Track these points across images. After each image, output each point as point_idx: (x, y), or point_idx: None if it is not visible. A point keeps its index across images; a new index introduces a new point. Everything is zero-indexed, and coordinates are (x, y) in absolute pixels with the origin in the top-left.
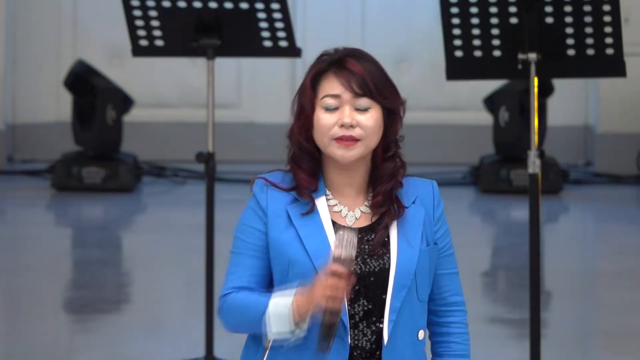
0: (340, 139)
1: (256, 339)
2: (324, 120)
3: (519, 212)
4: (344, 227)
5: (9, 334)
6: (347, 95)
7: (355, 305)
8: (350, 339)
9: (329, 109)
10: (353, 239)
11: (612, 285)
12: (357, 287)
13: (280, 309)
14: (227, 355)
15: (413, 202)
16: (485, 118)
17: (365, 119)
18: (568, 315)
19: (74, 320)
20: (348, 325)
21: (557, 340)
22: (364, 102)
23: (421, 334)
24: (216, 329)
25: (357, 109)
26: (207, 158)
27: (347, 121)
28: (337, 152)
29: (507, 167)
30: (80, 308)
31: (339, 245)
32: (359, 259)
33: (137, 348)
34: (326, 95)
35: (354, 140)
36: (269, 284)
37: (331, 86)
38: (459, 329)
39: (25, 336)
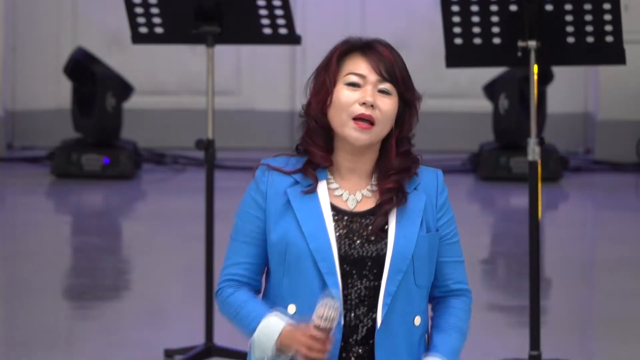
0: (358, 119)
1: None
2: (345, 96)
3: (519, 199)
4: (327, 298)
5: (9, 321)
6: (372, 77)
7: (352, 291)
8: (346, 323)
9: (351, 86)
10: (334, 313)
11: (612, 272)
12: (354, 272)
13: (265, 340)
14: (227, 342)
15: (415, 189)
16: (485, 105)
17: (384, 103)
18: (567, 302)
19: (73, 307)
20: (342, 308)
21: (556, 327)
22: (387, 87)
23: (417, 320)
24: (216, 316)
25: (379, 92)
26: (206, 145)
27: (369, 99)
28: (353, 133)
29: (507, 154)
30: (80, 295)
31: (320, 317)
32: (357, 243)
33: (137, 335)
34: (351, 73)
35: (371, 124)
36: (263, 271)
37: (358, 65)
38: (461, 306)
39: (25, 323)
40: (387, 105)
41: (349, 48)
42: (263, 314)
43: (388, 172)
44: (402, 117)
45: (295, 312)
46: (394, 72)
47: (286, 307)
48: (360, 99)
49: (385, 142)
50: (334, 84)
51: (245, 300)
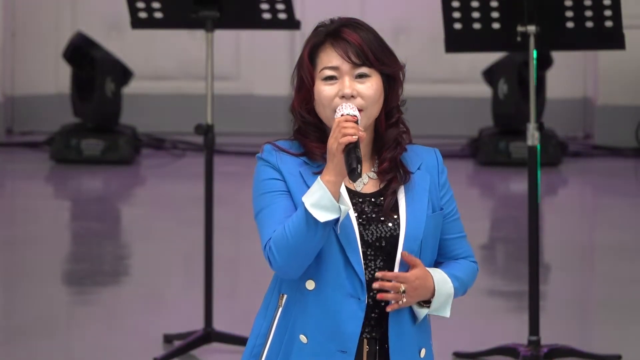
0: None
1: (273, 297)
2: (325, 92)
3: (518, 184)
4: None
5: (8, 306)
6: (345, 66)
7: (367, 272)
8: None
9: (328, 81)
10: (353, 108)
11: (611, 257)
12: (369, 253)
13: (315, 195)
14: (226, 328)
15: (418, 168)
16: (484, 90)
17: (365, 87)
18: (566, 287)
19: (72, 292)
20: (365, 284)
21: (555, 312)
22: (363, 70)
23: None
24: (215, 301)
25: (357, 78)
26: (206, 130)
27: (347, 92)
28: None
29: (506, 139)
30: (79, 280)
31: (340, 110)
32: (371, 224)
33: (136, 321)
34: (325, 68)
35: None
36: None
37: (329, 58)
38: (466, 264)
39: (24, 308)
40: (368, 88)
41: (318, 41)
42: (301, 205)
43: (382, 147)
44: (386, 91)
45: (314, 288)
46: (365, 54)
47: (305, 282)
48: (339, 93)
49: (376, 118)
50: (312, 82)
51: (286, 220)
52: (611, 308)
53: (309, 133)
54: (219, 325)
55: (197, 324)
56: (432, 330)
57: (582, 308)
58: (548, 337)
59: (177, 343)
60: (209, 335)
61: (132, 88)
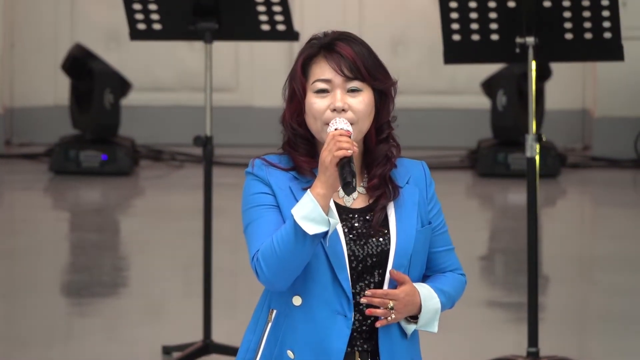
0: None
1: (263, 312)
2: (316, 104)
3: (517, 196)
4: (337, 121)
5: (7, 317)
6: (338, 79)
7: (357, 286)
8: (353, 319)
9: (320, 93)
10: (346, 123)
11: (610, 268)
12: (359, 268)
13: (305, 208)
14: (225, 339)
15: (407, 182)
16: (483, 102)
17: (356, 102)
18: (566, 299)
19: (71, 303)
20: (352, 300)
21: (554, 324)
22: (355, 84)
23: None
24: (214, 312)
25: (349, 92)
26: (204, 142)
27: (339, 105)
28: None
29: (505, 150)
30: (78, 291)
31: (333, 125)
32: (360, 240)
33: (135, 332)
34: (317, 80)
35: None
36: None
37: (322, 71)
38: (452, 276)
39: (23, 319)
40: (360, 103)
41: (311, 53)
42: (290, 218)
43: (372, 163)
44: (378, 107)
45: (300, 304)
46: (358, 68)
47: (291, 298)
48: (331, 106)
49: (367, 133)
50: (303, 93)
51: (274, 233)
52: (610, 319)
53: (298, 146)
54: (217, 336)
55: (196, 336)
56: (431, 341)
57: (581, 319)
58: (547, 348)
59: (175, 355)
60: (207, 346)
61: (130, 99)
